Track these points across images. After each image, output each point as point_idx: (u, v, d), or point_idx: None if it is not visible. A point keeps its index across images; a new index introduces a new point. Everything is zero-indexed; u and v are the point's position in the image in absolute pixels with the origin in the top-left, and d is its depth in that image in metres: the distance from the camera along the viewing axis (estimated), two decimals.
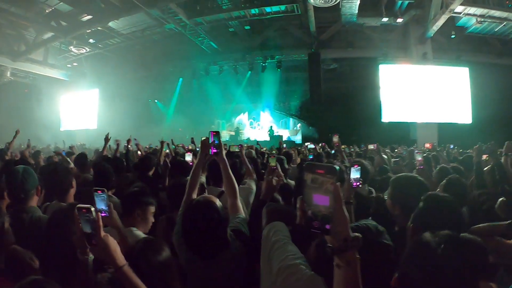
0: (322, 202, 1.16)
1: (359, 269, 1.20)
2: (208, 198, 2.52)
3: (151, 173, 5.30)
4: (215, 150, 2.95)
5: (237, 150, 6.32)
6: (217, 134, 2.95)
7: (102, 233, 1.78)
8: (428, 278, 1.32)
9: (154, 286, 1.86)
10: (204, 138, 3.03)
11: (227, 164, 3.03)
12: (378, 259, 1.58)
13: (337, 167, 1.17)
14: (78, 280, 1.87)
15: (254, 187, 4.43)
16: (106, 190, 2.37)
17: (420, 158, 4.86)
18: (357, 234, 1.19)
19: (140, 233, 2.83)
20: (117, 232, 2.50)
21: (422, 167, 4.61)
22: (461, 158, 6.93)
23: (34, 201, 2.88)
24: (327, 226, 1.15)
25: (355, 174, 3.32)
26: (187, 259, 2.44)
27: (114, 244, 1.79)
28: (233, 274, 2.48)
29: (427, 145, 7.72)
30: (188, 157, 5.42)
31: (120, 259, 1.78)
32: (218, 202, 2.48)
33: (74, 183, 3.51)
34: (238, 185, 4.47)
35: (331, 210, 1.16)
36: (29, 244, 2.27)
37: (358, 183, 3.32)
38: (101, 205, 2.33)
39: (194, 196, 2.91)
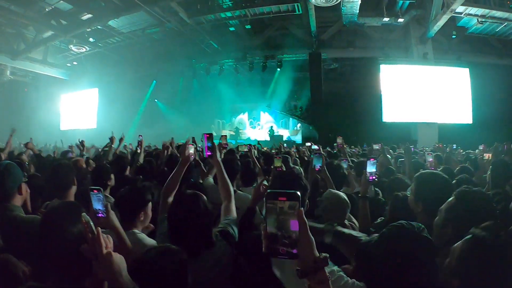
0: (288, 228, 1.15)
1: (331, 286, 1.20)
2: (196, 192, 2.51)
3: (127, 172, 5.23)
4: (209, 153, 2.96)
5: (246, 150, 6.32)
6: (210, 136, 2.95)
7: (104, 250, 1.53)
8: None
9: None
10: (180, 144, 3.06)
11: (222, 166, 3.01)
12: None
13: (298, 192, 1.16)
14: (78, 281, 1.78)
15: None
16: (102, 190, 2.28)
17: (431, 159, 4.82)
18: (324, 254, 1.18)
19: (144, 236, 2.74)
20: (116, 234, 2.28)
21: (433, 168, 4.57)
22: (473, 157, 6.87)
23: (17, 200, 2.73)
24: (294, 251, 1.14)
25: (371, 167, 3.30)
26: None
27: (118, 263, 1.57)
28: (217, 277, 2.43)
29: (438, 145, 7.66)
30: (190, 150, 5.38)
31: (127, 282, 1.58)
32: (204, 197, 2.47)
33: (75, 181, 3.46)
34: (253, 185, 4.50)
35: (297, 235, 1.14)
36: (12, 245, 2.23)
37: (374, 177, 3.30)
38: (97, 205, 2.24)
39: (170, 200, 2.88)
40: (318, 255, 1.17)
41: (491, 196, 3.51)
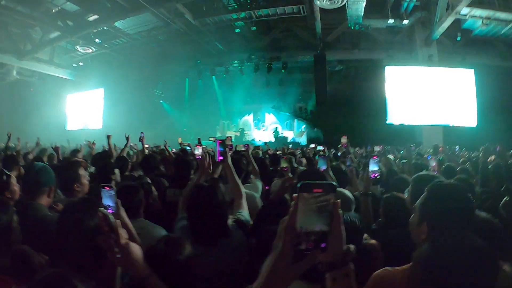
0: (319, 221, 1.09)
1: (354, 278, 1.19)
2: (212, 184, 2.68)
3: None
4: (221, 158, 3.23)
5: (243, 149, 6.39)
6: (223, 142, 3.18)
7: (123, 240, 1.66)
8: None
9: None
10: (202, 155, 3.25)
11: (233, 170, 3.22)
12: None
13: (335, 183, 1.12)
14: (95, 274, 1.85)
15: (259, 185, 4.61)
16: (114, 187, 2.34)
17: (434, 164, 4.86)
18: (350, 245, 1.17)
19: (148, 222, 2.97)
20: (126, 230, 2.38)
21: (436, 172, 4.61)
22: (474, 159, 6.91)
23: (44, 200, 2.86)
24: (322, 245, 1.08)
25: (373, 165, 3.36)
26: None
27: (136, 252, 1.69)
28: (234, 266, 2.55)
29: (440, 148, 7.68)
30: (197, 151, 5.46)
31: (144, 268, 1.69)
32: (220, 189, 2.65)
33: (84, 181, 3.54)
34: (244, 182, 4.61)
35: (328, 228, 1.08)
36: (33, 240, 2.30)
37: (376, 175, 3.35)
38: (108, 201, 2.29)
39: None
40: (347, 247, 1.15)
41: (479, 194, 3.57)
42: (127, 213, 2.39)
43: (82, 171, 3.57)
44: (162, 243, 1.94)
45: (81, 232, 1.87)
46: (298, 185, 1.09)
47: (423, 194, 2.08)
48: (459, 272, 1.37)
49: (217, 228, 2.49)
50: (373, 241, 2.23)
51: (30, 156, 7.09)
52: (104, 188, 2.31)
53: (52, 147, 8.18)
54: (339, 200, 1.08)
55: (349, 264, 1.16)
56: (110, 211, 2.30)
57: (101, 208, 1.67)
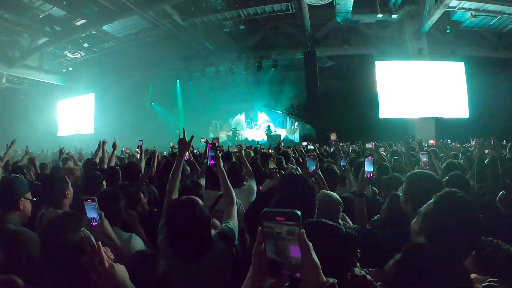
0: (294, 251, 1.03)
1: None
2: (191, 197, 2.55)
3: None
4: (212, 162, 3.04)
5: (236, 150, 6.35)
6: (213, 146, 3.02)
7: (107, 262, 1.56)
8: None
9: None
10: (182, 137, 3.14)
11: (225, 175, 3.08)
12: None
13: (298, 212, 1.02)
14: None
15: (255, 187, 4.55)
16: (96, 199, 2.31)
17: (425, 159, 4.83)
18: (331, 280, 1.09)
19: (141, 242, 2.89)
20: (110, 242, 2.35)
21: (427, 167, 4.58)
22: (468, 153, 6.87)
23: (15, 213, 2.78)
24: (297, 274, 1.03)
25: (369, 165, 3.30)
26: (172, 264, 2.37)
27: (122, 274, 1.60)
28: (218, 278, 2.47)
29: (431, 141, 7.66)
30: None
31: None
32: (200, 201, 2.53)
33: (68, 192, 3.51)
34: (240, 186, 4.52)
35: (299, 258, 1.03)
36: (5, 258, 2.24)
37: (371, 174, 3.30)
38: (92, 213, 2.29)
39: (175, 196, 2.98)
40: (326, 280, 1.07)
41: (476, 190, 3.53)
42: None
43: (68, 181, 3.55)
44: (135, 260, 1.89)
45: (64, 249, 1.80)
46: (261, 212, 1.05)
47: (430, 202, 1.98)
48: None
49: (197, 243, 2.40)
50: (367, 271, 2.07)
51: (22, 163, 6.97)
52: (87, 200, 2.26)
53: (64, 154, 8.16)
54: (303, 231, 1.02)
55: None
56: (94, 223, 2.25)
57: (83, 229, 1.58)
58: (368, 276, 1.59)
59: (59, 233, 1.87)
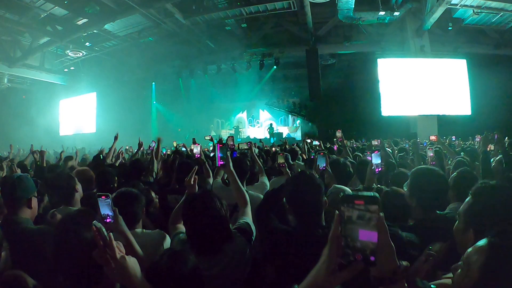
0: (368, 238, 1.04)
1: None
2: (207, 191, 2.58)
3: None
4: (222, 162, 3.02)
5: (246, 147, 6.34)
6: (223, 146, 2.98)
7: (118, 254, 1.56)
8: None
9: None
10: (200, 153, 3.12)
11: (235, 176, 3.03)
12: None
13: (377, 195, 1.05)
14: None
15: (267, 182, 4.56)
16: (110, 195, 2.30)
17: (431, 154, 4.82)
18: (405, 263, 1.14)
19: (148, 231, 2.86)
20: (124, 239, 2.28)
21: (433, 163, 4.57)
22: (468, 149, 6.85)
23: (25, 212, 2.74)
24: (372, 258, 1.03)
25: (376, 159, 3.29)
26: None
27: (133, 267, 1.60)
28: (238, 273, 2.46)
29: (432, 137, 7.61)
30: (196, 149, 5.36)
31: (142, 284, 1.62)
32: (215, 194, 2.52)
33: (78, 187, 3.51)
34: (253, 183, 4.51)
35: (375, 241, 1.03)
36: (16, 257, 2.23)
37: (380, 169, 3.29)
38: (105, 210, 2.27)
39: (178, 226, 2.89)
40: (399, 264, 1.12)
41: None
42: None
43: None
44: (165, 257, 1.86)
45: (78, 246, 1.79)
46: (340, 196, 1.08)
47: (467, 199, 1.96)
48: None
49: (219, 235, 2.37)
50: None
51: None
52: (100, 197, 2.25)
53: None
54: (382, 214, 1.04)
55: (402, 282, 1.13)
56: (108, 220, 2.24)
57: (95, 222, 1.58)
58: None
59: (73, 231, 1.85)
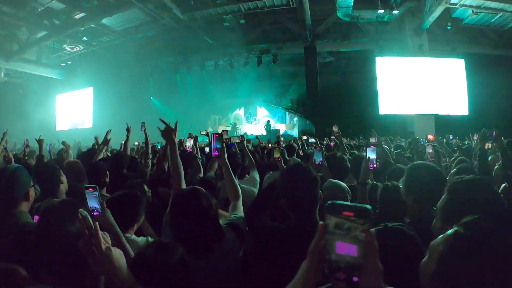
0: (348, 251, 0.93)
1: None
2: (194, 188, 2.42)
3: None
4: (216, 153, 2.90)
5: (238, 141, 6.30)
6: (220, 137, 2.89)
7: (104, 245, 1.51)
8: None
9: None
10: (166, 127, 3.06)
11: (229, 168, 2.96)
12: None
13: (370, 207, 0.93)
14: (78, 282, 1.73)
15: (258, 178, 4.48)
16: (98, 188, 2.24)
17: (431, 151, 4.80)
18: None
19: (135, 237, 2.67)
20: (112, 233, 2.17)
21: (433, 159, 4.54)
22: (464, 147, 6.85)
23: (24, 206, 2.66)
24: (355, 278, 0.92)
25: (371, 154, 3.23)
26: None
27: (118, 258, 1.55)
28: (230, 270, 2.39)
29: (430, 136, 7.57)
30: (188, 143, 5.34)
31: (128, 277, 1.55)
32: (202, 190, 2.38)
33: (63, 178, 3.45)
34: (243, 177, 4.47)
35: (361, 261, 0.92)
36: (14, 251, 2.17)
37: (375, 164, 3.23)
38: (93, 203, 2.20)
39: (183, 186, 2.88)
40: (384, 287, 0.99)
41: None
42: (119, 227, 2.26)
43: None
44: (151, 248, 1.79)
45: (61, 238, 1.74)
46: (326, 205, 0.96)
47: (444, 196, 1.95)
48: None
49: (208, 237, 2.26)
50: None
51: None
52: (88, 189, 2.20)
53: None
54: (372, 230, 0.93)
55: None
56: (95, 213, 2.19)
57: (81, 210, 1.53)
58: None
59: (55, 223, 1.80)
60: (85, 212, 1.53)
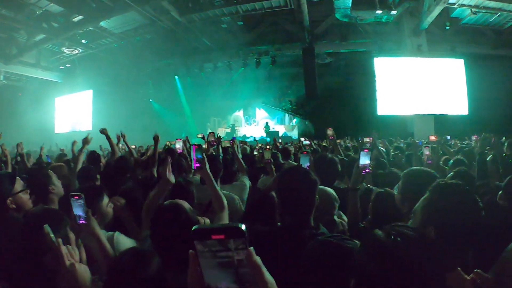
0: (227, 278, 0.81)
1: None
2: (174, 202, 2.31)
3: None
4: (197, 165, 2.77)
5: (228, 145, 6.24)
6: (199, 148, 2.79)
7: (67, 262, 1.51)
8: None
9: None
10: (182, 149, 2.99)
11: (212, 178, 2.84)
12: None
13: (242, 226, 0.78)
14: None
15: (247, 183, 4.38)
16: (83, 196, 2.18)
17: (428, 153, 4.72)
18: None
19: (126, 239, 2.62)
20: (96, 241, 2.18)
21: (430, 161, 4.49)
22: (466, 149, 6.80)
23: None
24: None
25: (364, 159, 3.07)
26: None
27: (83, 274, 1.54)
28: None
29: (432, 137, 7.52)
30: (178, 145, 5.28)
31: None
32: (186, 205, 2.28)
33: (53, 186, 3.39)
34: (232, 182, 4.39)
35: (246, 285, 0.80)
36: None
37: (368, 170, 3.09)
38: (78, 211, 2.16)
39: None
40: None
41: (477, 188, 3.41)
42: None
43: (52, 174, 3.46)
44: (126, 256, 1.74)
45: (34, 246, 1.72)
46: (192, 230, 0.81)
47: (425, 196, 1.91)
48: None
49: (186, 252, 2.17)
50: None
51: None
52: (73, 197, 2.17)
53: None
54: (251, 248, 0.80)
55: None
56: (81, 221, 2.16)
57: (45, 225, 1.51)
58: None
59: (34, 230, 1.78)
60: (49, 228, 1.52)
